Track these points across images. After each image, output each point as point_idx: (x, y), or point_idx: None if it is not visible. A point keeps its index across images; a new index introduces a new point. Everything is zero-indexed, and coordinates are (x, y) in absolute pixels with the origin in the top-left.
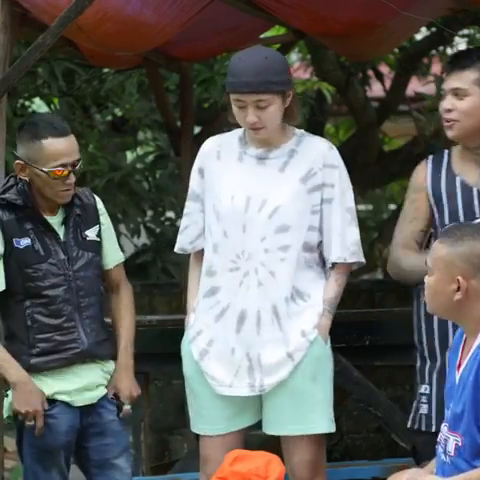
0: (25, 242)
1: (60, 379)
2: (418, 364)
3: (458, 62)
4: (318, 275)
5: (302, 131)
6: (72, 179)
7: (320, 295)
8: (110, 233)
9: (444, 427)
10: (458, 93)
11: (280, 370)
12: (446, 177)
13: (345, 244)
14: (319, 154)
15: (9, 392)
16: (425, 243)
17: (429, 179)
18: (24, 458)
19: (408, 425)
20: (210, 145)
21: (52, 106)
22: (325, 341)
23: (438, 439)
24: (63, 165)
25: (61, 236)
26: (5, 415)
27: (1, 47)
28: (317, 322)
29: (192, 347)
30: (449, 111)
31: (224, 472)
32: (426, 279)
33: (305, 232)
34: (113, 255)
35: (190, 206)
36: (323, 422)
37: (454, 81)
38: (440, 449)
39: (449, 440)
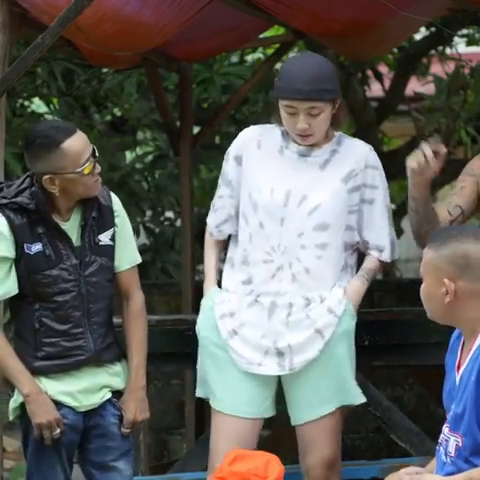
0: (36, 248)
1: (64, 381)
2: None
3: None
4: (352, 277)
5: (340, 133)
6: (98, 167)
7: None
8: (124, 235)
9: (445, 428)
10: None
11: (310, 348)
12: None
13: (393, 243)
14: (362, 155)
15: (16, 393)
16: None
17: None
18: (28, 457)
19: None
20: (251, 133)
21: (51, 106)
22: (354, 306)
23: (439, 440)
24: (87, 159)
25: (74, 240)
26: (11, 417)
27: (0, 47)
28: (344, 291)
29: (220, 323)
30: None
31: (223, 472)
32: (421, 287)
33: (342, 232)
34: (126, 257)
35: (221, 190)
36: (356, 394)
37: None
38: (441, 450)
39: (450, 441)
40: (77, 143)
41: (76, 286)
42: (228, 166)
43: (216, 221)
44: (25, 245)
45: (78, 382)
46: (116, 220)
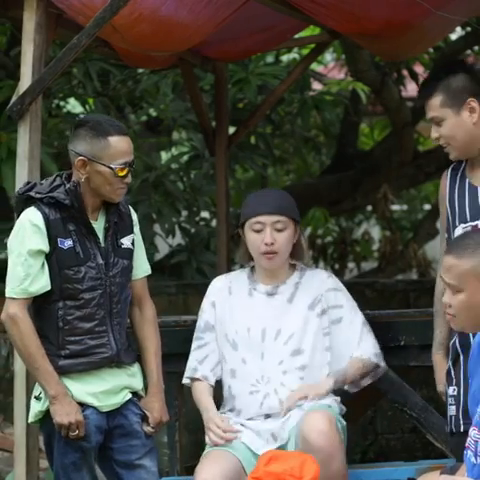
0: (68, 243)
1: (87, 382)
2: (447, 367)
3: (423, 94)
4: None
5: (302, 265)
6: (130, 178)
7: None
8: (141, 244)
9: (473, 431)
10: (436, 121)
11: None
12: (459, 183)
13: (369, 349)
14: (322, 281)
15: (42, 396)
16: None
17: (447, 188)
18: (55, 460)
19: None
20: (220, 283)
21: (87, 106)
22: (317, 397)
23: (467, 443)
24: (125, 163)
25: (101, 241)
26: (32, 419)
27: (36, 47)
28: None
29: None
30: (437, 139)
31: (259, 472)
32: (449, 299)
33: (320, 353)
34: (142, 266)
35: (207, 337)
36: None
37: (428, 112)
38: (469, 453)
39: (479, 442)
40: (123, 144)
41: (102, 285)
42: (208, 314)
43: (210, 366)
44: (59, 240)
45: (101, 383)
46: (135, 229)
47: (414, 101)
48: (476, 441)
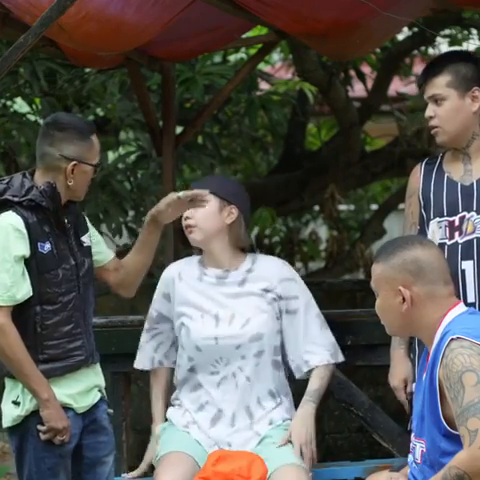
0: (47, 246)
1: (64, 384)
2: (411, 363)
3: (431, 70)
4: (284, 376)
5: (254, 254)
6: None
7: (289, 398)
8: (97, 234)
9: (412, 435)
10: (436, 99)
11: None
12: (435, 177)
13: (323, 346)
14: (275, 269)
15: (20, 400)
16: None
17: (421, 181)
18: (29, 465)
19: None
20: (172, 270)
21: (34, 106)
22: (304, 445)
23: (410, 447)
24: (99, 160)
25: (72, 241)
26: (9, 424)
27: None
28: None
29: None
30: (431, 118)
31: (207, 472)
32: (376, 304)
33: (274, 337)
34: (108, 250)
35: (160, 327)
36: None
37: (430, 89)
38: (410, 457)
39: (416, 447)
40: (97, 141)
41: (75, 286)
42: (160, 304)
43: (163, 352)
44: (38, 244)
45: (76, 384)
46: (88, 224)
47: (361, 101)
48: (413, 447)
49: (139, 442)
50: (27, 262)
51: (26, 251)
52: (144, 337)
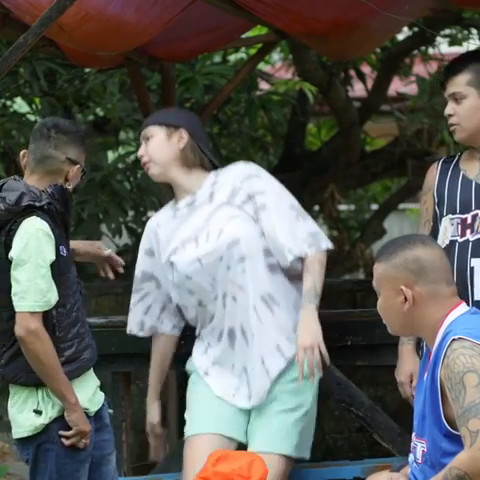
0: (65, 250)
1: (81, 387)
2: (419, 359)
3: (452, 68)
4: (284, 279)
5: (217, 171)
6: None
7: (290, 301)
8: None
9: (413, 435)
10: (456, 97)
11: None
12: (451, 174)
13: (299, 238)
14: (236, 172)
15: (42, 408)
16: None
17: (437, 179)
18: (49, 473)
19: None
20: (151, 223)
21: (33, 106)
22: (313, 341)
23: (411, 447)
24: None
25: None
26: (29, 433)
27: None
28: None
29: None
30: (450, 116)
31: (207, 472)
32: (378, 303)
33: (257, 239)
34: None
35: (146, 287)
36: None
37: (450, 87)
38: (411, 457)
39: (417, 447)
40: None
41: (79, 287)
42: (142, 264)
43: (154, 316)
44: (60, 247)
45: (87, 385)
46: None
47: (361, 101)
48: (414, 446)
49: (139, 442)
50: (51, 266)
51: (53, 255)
52: (133, 298)
